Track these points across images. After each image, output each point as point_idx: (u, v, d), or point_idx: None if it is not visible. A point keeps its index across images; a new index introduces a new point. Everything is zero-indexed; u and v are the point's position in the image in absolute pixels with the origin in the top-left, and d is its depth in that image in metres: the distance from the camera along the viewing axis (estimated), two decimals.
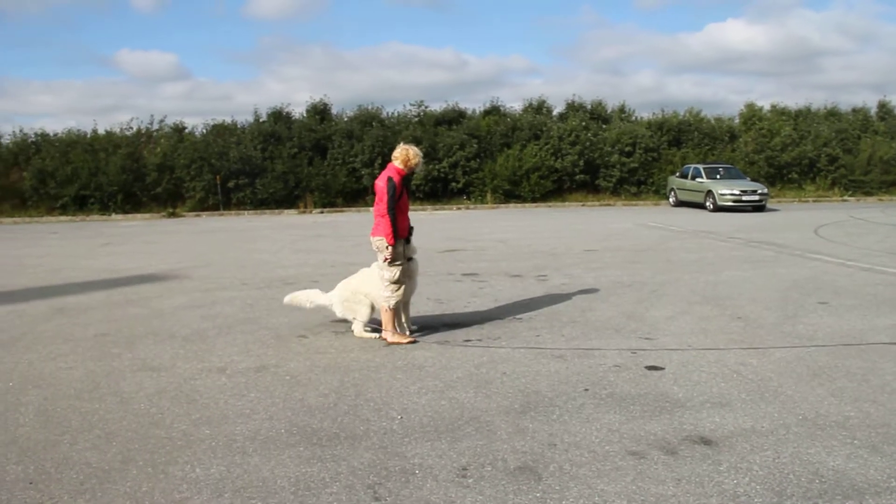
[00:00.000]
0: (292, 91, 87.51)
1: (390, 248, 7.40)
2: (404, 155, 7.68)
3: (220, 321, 8.74)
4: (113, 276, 12.72)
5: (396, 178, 7.51)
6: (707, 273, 11.70)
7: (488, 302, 9.52)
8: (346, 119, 36.80)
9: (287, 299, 8.46)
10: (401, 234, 7.51)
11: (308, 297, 8.35)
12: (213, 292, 10.78)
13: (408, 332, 7.83)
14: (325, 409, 5.46)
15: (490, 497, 4.00)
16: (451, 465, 4.40)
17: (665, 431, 4.90)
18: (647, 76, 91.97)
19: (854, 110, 42.58)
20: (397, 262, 7.53)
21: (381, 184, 7.49)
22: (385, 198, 7.37)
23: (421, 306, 9.27)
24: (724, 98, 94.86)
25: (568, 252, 14.96)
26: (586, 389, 5.82)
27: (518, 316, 8.66)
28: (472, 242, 17.17)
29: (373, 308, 7.90)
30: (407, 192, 7.83)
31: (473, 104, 39.10)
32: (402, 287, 7.65)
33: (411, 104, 38.02)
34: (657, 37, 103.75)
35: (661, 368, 6.40)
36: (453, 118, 37.17)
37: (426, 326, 8.15)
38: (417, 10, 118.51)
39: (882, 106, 44.12)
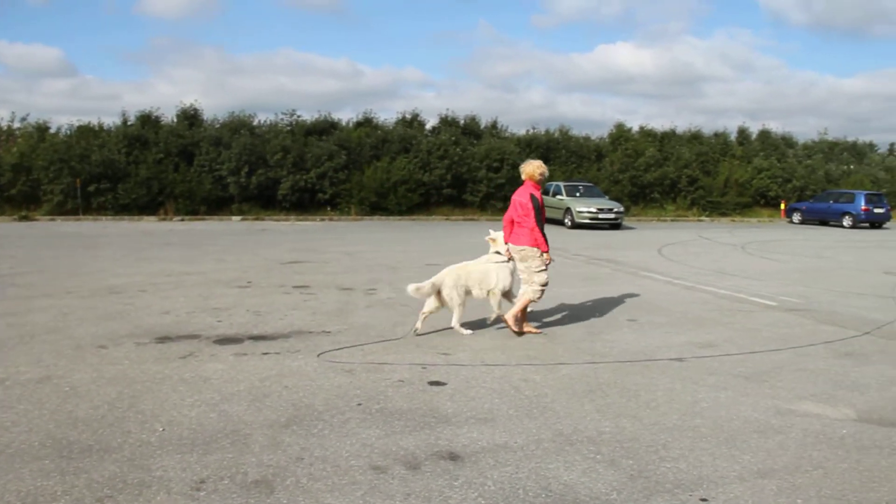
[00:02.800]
0: (183, 94, 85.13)
1: (545, 254, 8.58)
2: (538, 170, 8.73)
3: (26, 330, 8.50)
4: None
5: (538, 195, 8.60)
6: None
7: (305, 315, 9.55)
8: (216, 126, 36.30)
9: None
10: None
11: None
12: (33, 300, 10.47)
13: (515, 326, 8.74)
14: (91, 422, 5.40)
15: None
16: (191, 479, 4.43)
17: (417, 446, 5.03)
18: (539, 93, 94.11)
19: (716, 134, 44.61)
20: (543, 269, 8.64)
21: (524, 200, 8.55)
22: (532, 213, 8.46)
23: (237, 318, 9.26)
24: (611, 118, 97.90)
25: (409, 266, 15.12)
26: (359, 404, 5.93)
27: (328, 329, 8.72)
28: (320, 254, 17.18)
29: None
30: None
31: (363, 114, 39.14)
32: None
33: (283, 113, 37.87)
34: (550, 55, 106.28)
35: (444, 384, 6.55)
36: (325, 129, 37.12)
37: (233, 340, 8.11)
38: (314, 17, 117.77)
39: (741, 132, 46.44)
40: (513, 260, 8.83)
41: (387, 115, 54.25)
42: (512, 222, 8.78)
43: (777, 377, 7.05)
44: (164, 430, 5.25)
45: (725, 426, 5.61)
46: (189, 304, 10.20)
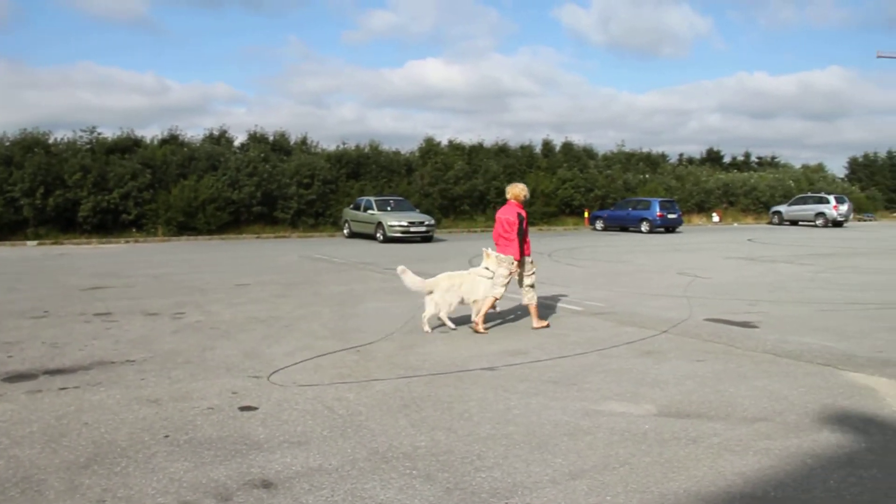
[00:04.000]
0: None
1: (516, 262, 10.04)
2: (524, 192, 10.40)
3: None
4: None
5: (524, 212, 10.25)
6: (347, 306, 11.97)
7: (108, 344, 9.05)
8: (6, 144, 34.04)
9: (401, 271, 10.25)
10: (525, 253, 10.23)
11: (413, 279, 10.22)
12: None
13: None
14: None
15: None
16: None
17: (228, 476, 4.83)
18: (350, 109, 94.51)
19: (522, 147, 46.35)
20: (506, 280, 10.15)
21: (511, 218, 10.03)
22: (516, 228, 9.95)
23: (30, 351, 8.64)
24: (421, 132, 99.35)
25: (219, 287, 14.71)
26: (166, 436, 5.65)
27: (132, 358, 8.29)
28: (123, 279, 16.37)
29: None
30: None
31: (169, 131, 37.86)
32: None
33: (82, 130, 36.02)
34: (361, 71, 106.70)
35: (255, 408, 6.36)
36: (128, 146, 35.64)
37: (26, 376, 7.55)
38: (117, 30, 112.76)
39: (546, 144, 48.55)
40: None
41: (195, 131, 52.86)
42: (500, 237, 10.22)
43: (584, 380, 7.32)
44: None
45: (537, 431, 5.75)
46: None
